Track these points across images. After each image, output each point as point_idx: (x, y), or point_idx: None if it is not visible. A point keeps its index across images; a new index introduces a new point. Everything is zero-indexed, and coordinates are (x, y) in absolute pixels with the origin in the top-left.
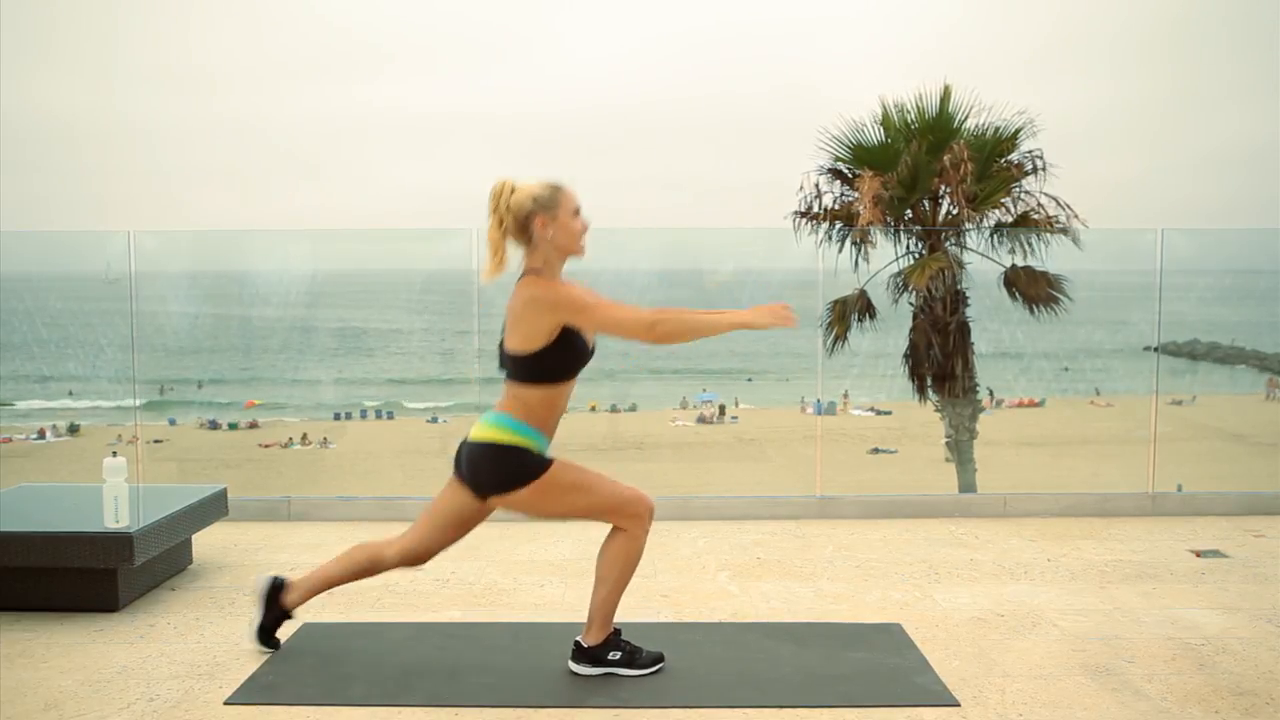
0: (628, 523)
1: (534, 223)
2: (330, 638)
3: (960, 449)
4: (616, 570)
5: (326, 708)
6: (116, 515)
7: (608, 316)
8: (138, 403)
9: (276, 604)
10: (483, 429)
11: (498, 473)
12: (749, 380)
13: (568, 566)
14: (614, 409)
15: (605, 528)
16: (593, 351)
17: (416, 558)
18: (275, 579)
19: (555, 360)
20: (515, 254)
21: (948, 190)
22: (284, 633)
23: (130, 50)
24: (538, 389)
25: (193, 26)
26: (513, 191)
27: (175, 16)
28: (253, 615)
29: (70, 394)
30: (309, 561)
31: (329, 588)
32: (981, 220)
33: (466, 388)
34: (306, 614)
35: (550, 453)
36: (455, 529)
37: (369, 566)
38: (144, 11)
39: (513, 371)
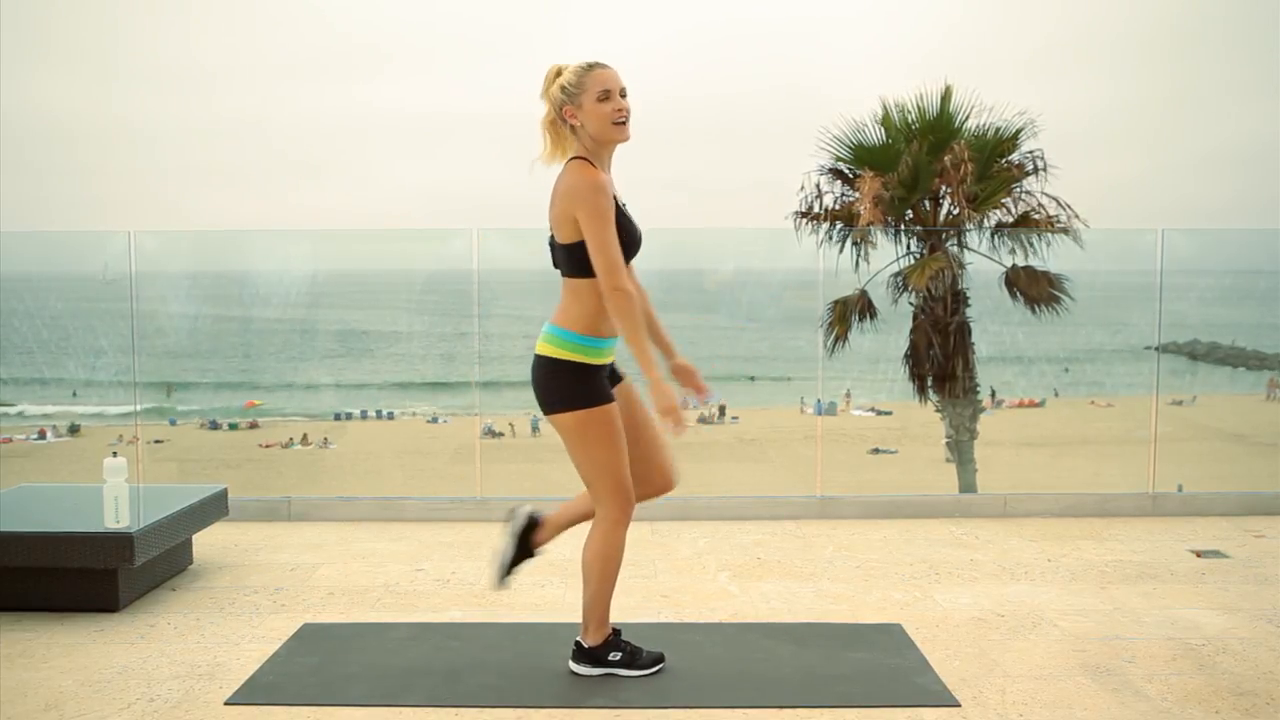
0: (611, 511)
1: (565, 112)
2: (330, 638)
3: (960, 449)
4: (597, 568)
5: (327, 708)
6: (117, 515)
7: (605, 250)
8: (138, 404)
9: (528, 541)
10: (542, 342)
11: (552, 388)
12: (751, 380)
13: (567, 567)
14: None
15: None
16: (641, 239)
17: (658, 486)
18: (533, 516)
19: None
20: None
21: (948, 190)
22: (284, 633)
23: (130, 50)
24: (589, 280)
25: (192, 26)
26: (557, 75)
27: (175, 16)
28: (502, 549)
29: (74, 394)
30: (309, 562)
31: (575, 524)
32: (982, 220)
33: (467, 388)
34: (307, 614)
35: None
36: (633, 437)
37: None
38: (143, 11)
39: (565, 265)
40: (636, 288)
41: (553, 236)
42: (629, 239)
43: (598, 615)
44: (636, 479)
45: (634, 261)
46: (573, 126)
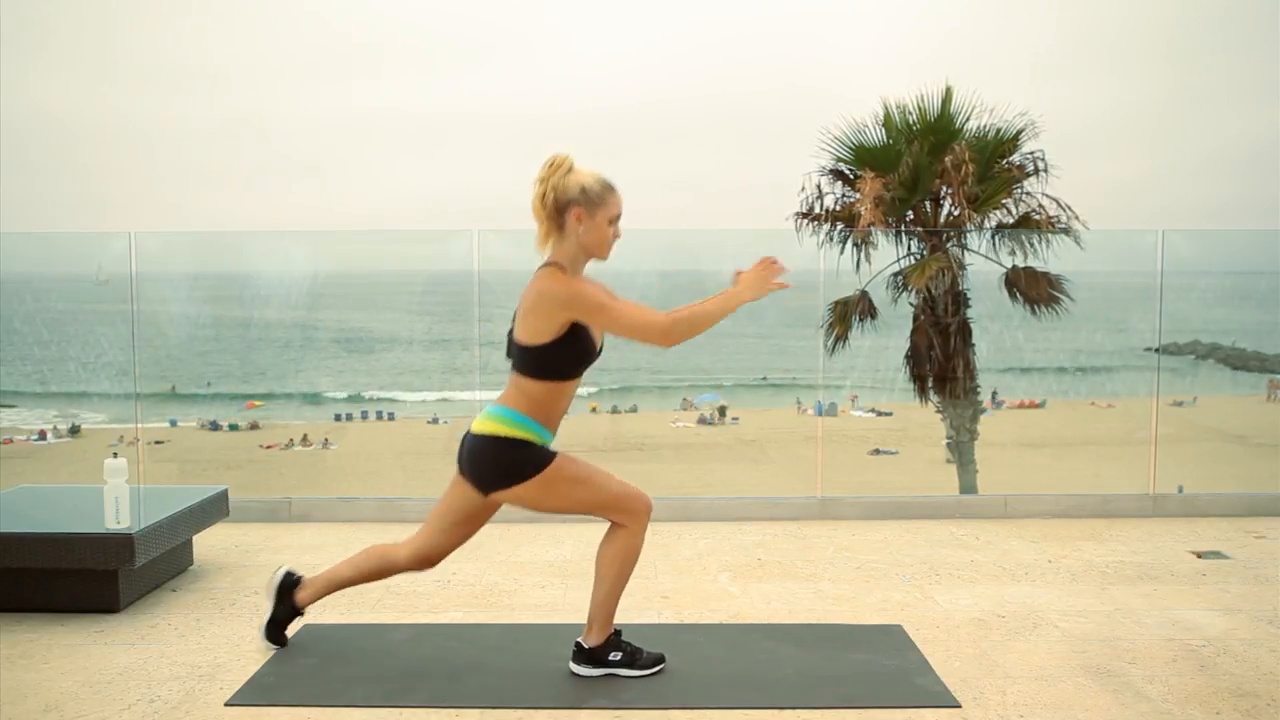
0: (626, 519)
1: (570, 212)
2: (331, 639)
3: (961, 450)
4: (615, 568)
5: (327, 709)
6: (117, 516)
7: (625, 319)
8: (138, 405)
9: (289, 599)
10: (485, 422)
11: (500, 466)
12: (763, 379)
13: (568, 568)
14: (615, 410)
15: (604, 526)
16: (600, 351)
17: (427, 559)
18: (290, 573)
19: (562, 356)
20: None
21: (949, 191)
22: (288, 632)
23: (130, 50)
24: (542, 384)
25: (192, 27)
26: (568, 172)
27: (175, 17)
28: (264, 608)
29: (85, 393)
30: (310, 563)
31: (340, 588)
32: (983, 221)
33: (467, 389)
34: (308, 615)
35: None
36: (463, 527)
37: (381, 568)
38: (143, 11)
39: (519, 363)
40: (663, 317)
41: (511, 330)
42: (586, 351)
43: (605, 615)
44: (433, 540)
45: (628, 281)
46: (571, 227)
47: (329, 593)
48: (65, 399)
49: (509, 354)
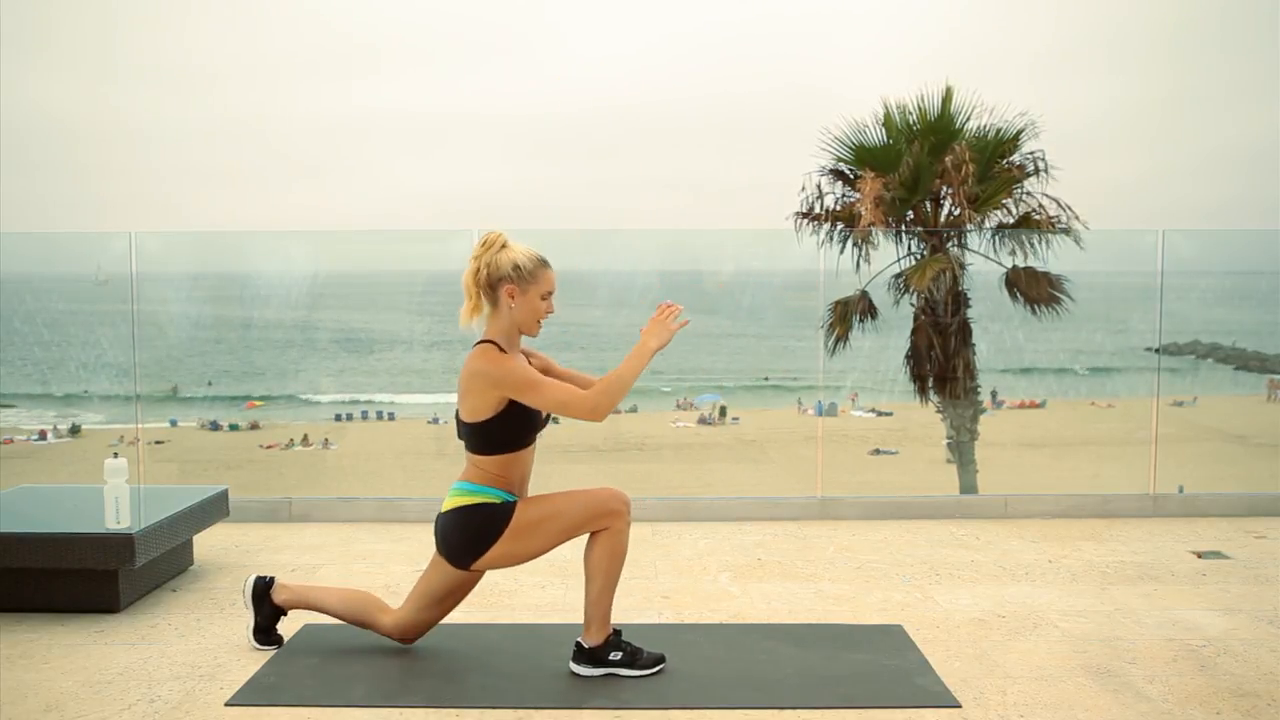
0: (608, 521)
1: (502, 289)
2: (331, 638)
3: (961, 450)
4: (604, 566)
5: (327, 709)
6: (118, 516)
7: (553, 399)
8: (138, 405)
9: (267, 602)
10: (449, 500)
11: (467, 535)
12: (765, 379)
13: (568, 568)
14: (615, 410)
15: None
16: (546, 419)
17: (407, 633)
18: (259, 578)
19: (505, 430)
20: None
21: (949, 191)
22: (285, 633)
23: (130, 50)
24: (494, 457)
25: (192, 27)
26: (502, 248)
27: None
28: (247, 618)
29: (85, 393)
30: (310, 563)
31: (318, 610)
32: (983, 221)
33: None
34: (308, 615)
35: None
36: (444, 603)
37: (362, 620)
38: (143, 11)
39: (468, 441)
40: (589, 396)
41: (458, 411)
42: (529, 421)
43: (600, 614)
44: (415, 617)
45: (629, 281)
46: (503, 302)
47: (305, 608)
48: (65, 399)
49: (459, 434)
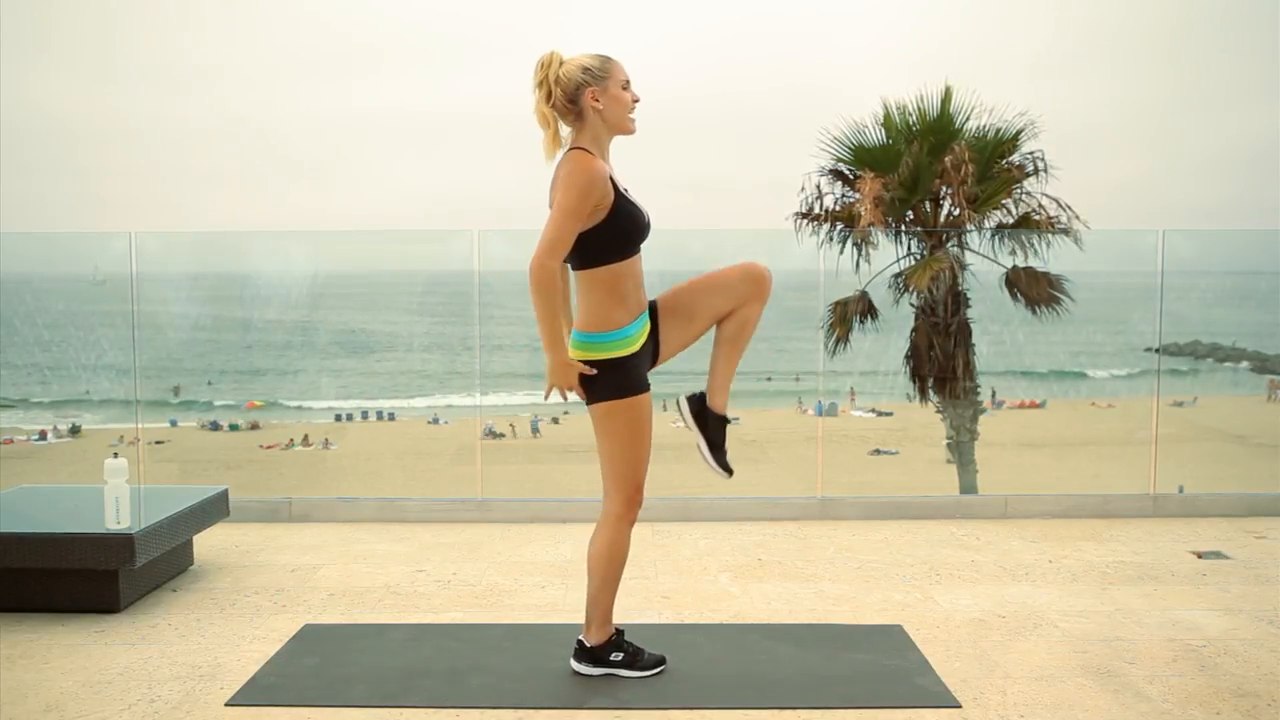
0: (617, 505)
1: (584, 95)
2: (331, 639)
3: (961, 450)
4: (603, 565)
5: (327, 709)
6: (118, 516)
7: (553, 222)
8: (138, 405)
9: (707, 413)
10: (570, 349)
11: (591, 383)
12: (769, 380)
13: (568, 568)
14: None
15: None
16: (649, 222)
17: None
18: (694, 395)
19: (610, 236)
20: (566, 130)
21: (949, 191)
22: (285, 634)
23: (129, 50)
24: (602, 270)
25: (191, 27)
26: (562, 63)
27: (174, 17)
28: (697, 442)
29: (88, 392)
30: (310, 563)
31: (733, 367)
32: (983, 221)
33: (468, 389)
34: (308, 615)
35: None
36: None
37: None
38: (143, 11)
39: (571, 257)
40: (549, 262)
41: None
42: (634, 225)
43: (600, 613)
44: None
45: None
46: (589, 110)
47: (730, 378)
48: (65, 399)
49: (564, 259)
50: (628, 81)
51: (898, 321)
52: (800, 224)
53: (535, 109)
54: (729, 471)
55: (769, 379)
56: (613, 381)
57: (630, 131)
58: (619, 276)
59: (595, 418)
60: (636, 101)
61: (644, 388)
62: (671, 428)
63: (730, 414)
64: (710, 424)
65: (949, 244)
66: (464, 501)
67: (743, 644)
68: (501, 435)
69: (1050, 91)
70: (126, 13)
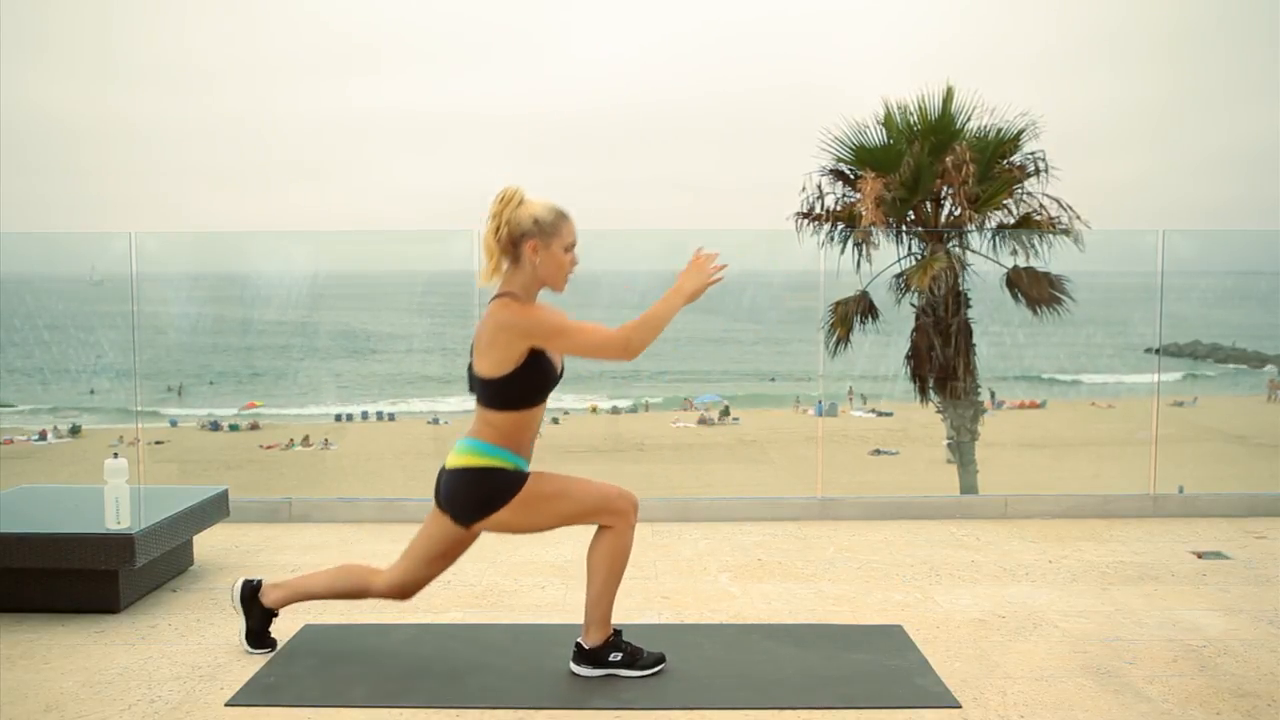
0: (613, 519)
1: (525, 244)
2: (331, 639)
3: (961, 450)
4: (605, 567)
5: (327, 709)
6: (118, 516)
7: (585, 341)
8: (138, 405)
9: (257, 605)
10: (457, 456)
11: (476, 496)
12: (772, 380)
13: (568, 568)
14: (615, 410)
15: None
16: (561, 374)
17: (404, 590)
18: (247, 581)
19: (524, 384)
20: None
21: (950, 191)
22: (285, 634)
23: (129, 50)
24: (508, 414)
25: (191, 27)
26: (520, 204)
27: (173, 17)
28: (238, 623)
29: (92, 392)
30: (310, 563)
31: (309, 599)
32: (983, 221)
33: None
34: (308, 615)
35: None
36: (441, 560)
37: (355, 590)
38: (142, 11)
39: (482, 396)
40: (620, 333)
41: (471, 364)
42: (545, 378)
43: (600, 614)
44: (412, 572)
45: (630, 282)
46: (527, 259)
47: (298, 601)
48: (65, 399)
49: (471, 388)
50: (573, 244)
51: (898, 322)
52: (801, 224)
53: (484, 238)
54: (253, 646)
55: (773, 379)
56: (502, 486)
57: (559, 290)
58: (523, 423)
59: (517, 520)
60: (574, 265)
61: (524, 476)
62: (671, 428)
63: (730, 414)
64: (257, 614)
65: (950, 244)
66: None
67: (743, 644)
68: None
69: (1051, 92)
70: (126, 13)
